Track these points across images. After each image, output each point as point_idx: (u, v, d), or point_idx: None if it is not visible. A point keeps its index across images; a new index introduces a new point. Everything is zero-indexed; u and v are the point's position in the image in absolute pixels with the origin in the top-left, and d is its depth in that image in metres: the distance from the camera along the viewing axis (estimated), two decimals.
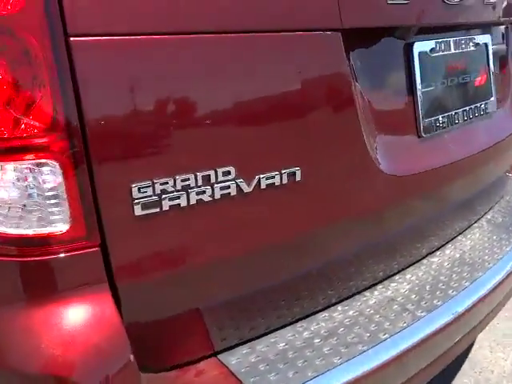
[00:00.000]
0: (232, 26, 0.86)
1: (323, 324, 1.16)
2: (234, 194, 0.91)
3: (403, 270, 1.37)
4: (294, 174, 0.97)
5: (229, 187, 0.90)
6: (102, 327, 0.81)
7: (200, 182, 0.87)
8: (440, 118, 1.32)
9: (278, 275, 1.07)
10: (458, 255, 1.46)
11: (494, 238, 1.57)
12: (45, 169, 0.77)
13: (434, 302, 1.25)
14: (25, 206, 0.78)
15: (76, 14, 0.73)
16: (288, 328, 1.13)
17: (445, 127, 1.33)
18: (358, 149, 1.08)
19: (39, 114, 0.74)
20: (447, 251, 1.48)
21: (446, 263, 1.42)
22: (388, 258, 1.31)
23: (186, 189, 0.86)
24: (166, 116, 0.82)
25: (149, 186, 0.82)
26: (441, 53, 1.30)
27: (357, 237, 1.18)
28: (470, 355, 2.06)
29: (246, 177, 0.92)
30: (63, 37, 0.72)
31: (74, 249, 0.79)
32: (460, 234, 1.57)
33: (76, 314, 0.80)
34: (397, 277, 1.34)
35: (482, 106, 1.47)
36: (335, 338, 1.11)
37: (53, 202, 0.78)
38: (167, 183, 0.84)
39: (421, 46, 1.24)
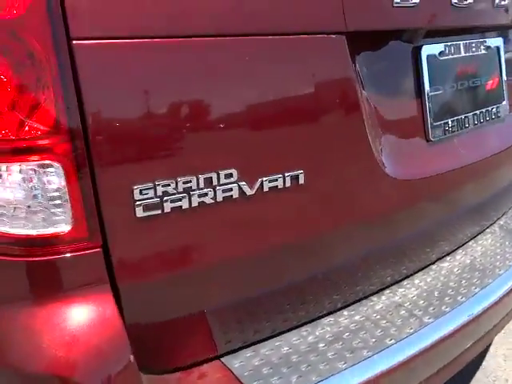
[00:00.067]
0: (232, 30, 0.86)
1: (328, 328, 1.15)
2: (237, 196, 0.91)
3: (412, 275, 1.35)
4: (297, 177, 0.97)
5: (231, 190, 0.90)
6: (102, 328, 0.81)
7: (202, 185, 0.87)
8: (449, 122, 1.30)
9: (281, 278, 1.06)
10: (468, 261, 1.44)
11: (507, 243, 1.54)
12: (48, 170, 0.78)
13: (443, 308, 1.23)
14: (29, 206, 0.80)
15: (78, 18, 0.74)
16: (292, 332, 1.13)
17: (454, 131, 1.32)
18: (362, 152, 1.07)
19: (42, 117, 0.75)
20: (457, 257, 1.46)
21: (455, 269, 1.40)
22: (396, 262, 1.30)
23: (187, 191, 0.86)
24: (168, 118, 0.83)
25: (150, 188, 0.83)
26: (450, 56, 1.29)
27: (363, 241, 1.17)
28: (483, 363, 2.02)
29: (248, 179, 0.92)
30: (66, 40, 0.74)
31: (76, 249, 0.80)
32: (471, 239, 1.54)
33: (77, 315, 0.81)
34: (405, 282, 1.32)
35: (494, 109, 1.45)
36: (340, 343, 1.11)
37: (56, 202, 0.79)
38: (169, 185, 0.84)
39: (429, 50, 1.23)
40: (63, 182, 0.78)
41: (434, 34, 1.24)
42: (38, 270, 0.79)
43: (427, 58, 1.22)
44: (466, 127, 1.35)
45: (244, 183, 0.91)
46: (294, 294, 1.11)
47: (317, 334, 1.13)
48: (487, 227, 1.61)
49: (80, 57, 0.75)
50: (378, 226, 1.17)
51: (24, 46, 0.73)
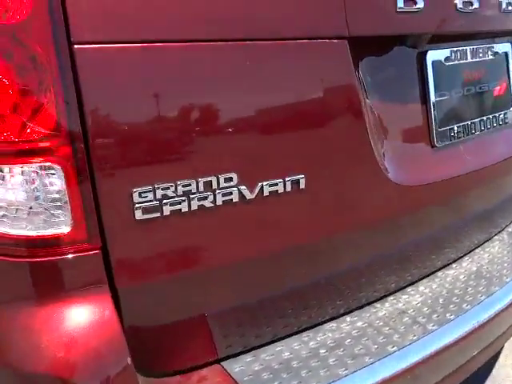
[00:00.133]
0: (233, 34, 0.87)
1: (330, 334, 1.14)
2: (237, 200, 0.91)
3: (416, 282, 1.34)
4: (298, 182, 0.97)
5: (231, 194, 0.91)
6: (100, 329, 0.82)
7: (201, 188, 0.87)
8: (455, 128, 1.29)
9: (282, 283, 1.06)
10: (474, 268, 1.42)
11: None
12: (49, 172, 0.79)
13: (447, 315, 1.22)
14: (31, 208, 0.81)
15: (80, 23, 0.75)
16: (294, 337, 1.12)
17: (460, 137, 1.31)
18: (364, 158, 1.07)
19: (44, 119, 0.76)
20: (464, 264, 1.44)
21: (461, 276, 1.38)
22: (400, 269, 1.29)
23: (187, 194, 0.86)
24: (168, 122, 0.83)
25: (150, 191, 0.83)
26: (456, 62, 1.28)
27: (366, 246, 1.16)
28: (493, 372, 1.99)
29: (248, 184, 0.92)
30: (67, 44, 0.75)
31: (76, 251, 0.81)
32: (478, 246, 1.52)
33: (75, 316, 0.81)
34: (409, 289, 1.31)
35: (501, 116, 1.43)
36: (342, 349, 1.10)
37: (56, 204, 0.80)
38: (168, 188, 0.85)
39: (434, 55, 1.22)
40: (63, 184, 0.79)
41: (440, 40, 1.23)
42: (37, 271, 0.80)
43: (432, 64, 1.22)
44: (472, 133, 1.34)
45: (244, 187, 0.91)
46: (296, 299, 1.11)
47: (318, 339, 1.12)
48: (495, 234, 1.59)
49: (81, 61, 0.76)
50: (381, 231, 1.16)
51: (26, 50, 0.74)
